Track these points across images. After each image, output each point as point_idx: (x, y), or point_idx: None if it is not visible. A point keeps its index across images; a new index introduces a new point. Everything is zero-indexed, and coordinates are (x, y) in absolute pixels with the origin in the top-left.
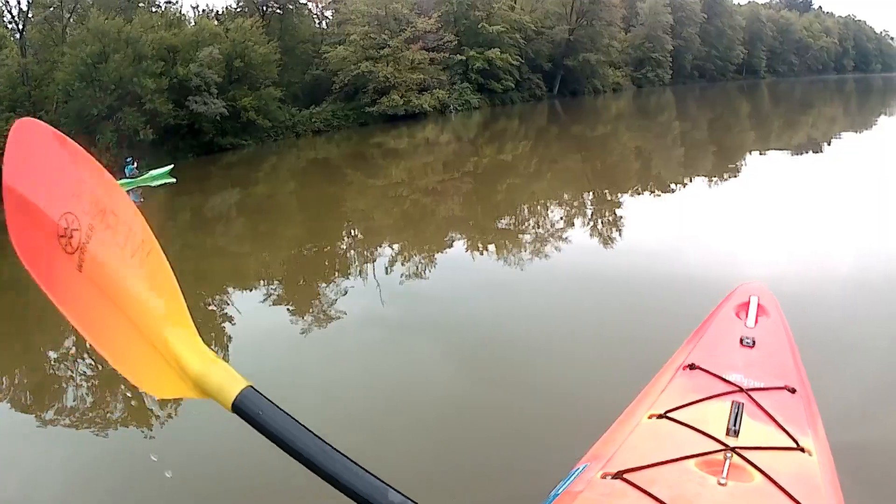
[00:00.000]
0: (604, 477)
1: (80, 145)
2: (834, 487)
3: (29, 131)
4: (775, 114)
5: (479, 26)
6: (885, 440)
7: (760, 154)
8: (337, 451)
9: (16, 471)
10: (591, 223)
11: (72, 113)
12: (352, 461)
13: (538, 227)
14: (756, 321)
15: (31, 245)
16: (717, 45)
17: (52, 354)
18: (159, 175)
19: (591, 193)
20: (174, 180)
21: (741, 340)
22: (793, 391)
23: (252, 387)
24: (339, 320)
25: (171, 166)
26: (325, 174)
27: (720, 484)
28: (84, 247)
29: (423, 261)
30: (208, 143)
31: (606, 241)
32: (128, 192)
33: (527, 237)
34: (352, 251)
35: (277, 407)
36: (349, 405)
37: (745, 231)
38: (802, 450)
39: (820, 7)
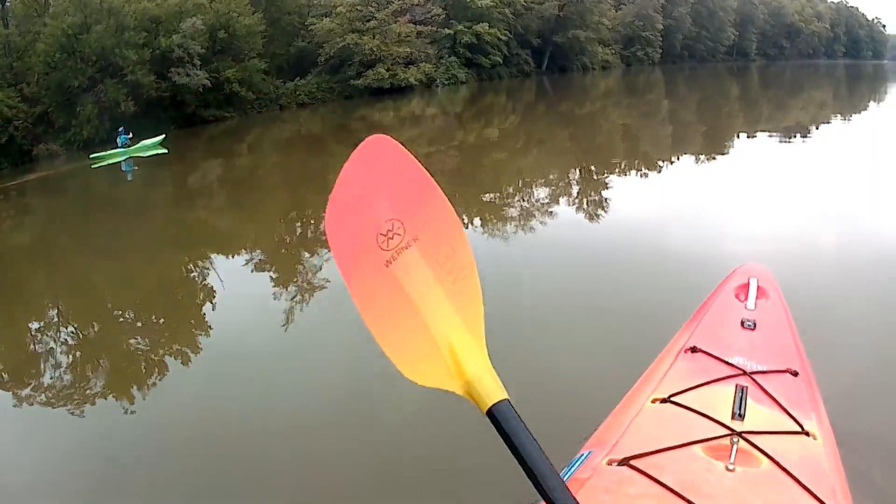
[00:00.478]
0: (610, 463)
1: (61, 117)
2: (838, 471)
3: (384, 144)
4: (765, 96)
5: (468, 0)
6: (886, 421)
7: (749, 136)
8: (557, 474)
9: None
10: (580, 203)
11: (52, 84)
12: (566, 487)
13: (525, 206)
14: (756, 303)
15: (346, 230)
16: (707, 25)
17: (35, 327)
18: (151, 145)
19: (578, 172)
20: (166, 151)
21: (742, 323)
22: (795, 374)
23: (508, 401)
24: (322, 290)
25: (163, 136)
26: (308, 147)
27: (728, 469)
28: (400, 250)
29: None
30: (191, 116)
31: (597, 220)
32: (122, 161)
33: (511, 215)
34: None
35: (522, 422)
36: (329, 375)
37: (739, 212)
38: (807, 434)
39: None
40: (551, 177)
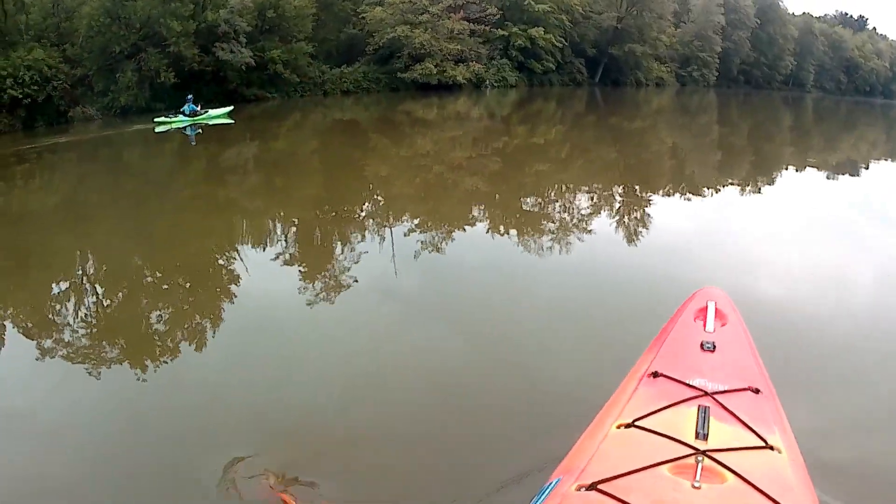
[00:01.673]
0: (578, 489)
1: (101, 82)
2: (805, 482)
3: None
4: (817, 131)
5: (526, 2)
6: (849, 432)
7: (798, 169)
8: None
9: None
10: (616, 220)
11: (95, 48)
12: None
13: (560, 218)
14: (715, 325)
15: None
16: (766, 52)
17: (55, 289)
18: (219, 115)
19: (621, 187)
20: (232, 122)
21: (702, 345)
22: (756, 391)
23: None
24: (347, 288)
25: (231, 108)
26: (349, 136)
27: (694, 487)
28: None
29: (435, 237)
30: (231, 93)
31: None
32: (186, 127)
33: (547, 229)
34: (369, 219)
35: None
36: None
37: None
38: (772, 448)
39: (874, 28)
40: (590, 190)
